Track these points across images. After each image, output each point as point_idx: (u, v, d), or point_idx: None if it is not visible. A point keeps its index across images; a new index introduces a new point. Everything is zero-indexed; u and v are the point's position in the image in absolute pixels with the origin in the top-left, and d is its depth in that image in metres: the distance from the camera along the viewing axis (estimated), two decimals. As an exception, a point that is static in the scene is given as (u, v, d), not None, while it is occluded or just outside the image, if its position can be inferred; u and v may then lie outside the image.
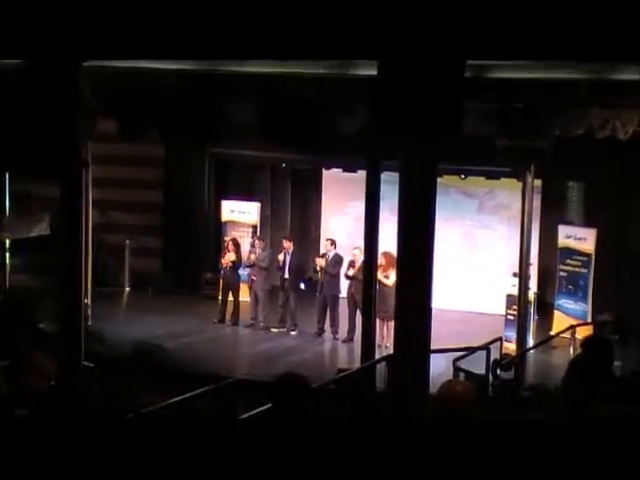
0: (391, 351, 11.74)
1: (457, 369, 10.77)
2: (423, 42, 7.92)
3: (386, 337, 14.27)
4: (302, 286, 16.09)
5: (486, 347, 11.68)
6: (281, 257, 15.76)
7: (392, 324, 14.00)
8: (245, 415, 7.91)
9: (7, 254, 17.27)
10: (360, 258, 14.96)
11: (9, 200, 17.12)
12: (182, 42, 8.94)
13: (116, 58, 9.89)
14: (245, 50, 8.93)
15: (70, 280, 10.46)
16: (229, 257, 16.10)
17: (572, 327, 13.76)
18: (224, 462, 4.20)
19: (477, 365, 11.22)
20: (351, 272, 15.12)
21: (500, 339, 13.06)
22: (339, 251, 15.56)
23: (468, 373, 10.63)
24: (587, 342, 6.16)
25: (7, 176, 16.61)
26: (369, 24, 8.06)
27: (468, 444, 4.14)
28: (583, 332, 13.34)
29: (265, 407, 6.80)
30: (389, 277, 14.31)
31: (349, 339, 14.88)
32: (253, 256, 15.95)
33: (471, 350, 11.48)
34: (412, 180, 8.37)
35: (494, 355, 11.84)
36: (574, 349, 12.69)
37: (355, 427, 4.38)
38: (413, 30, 7.93)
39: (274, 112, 12.17)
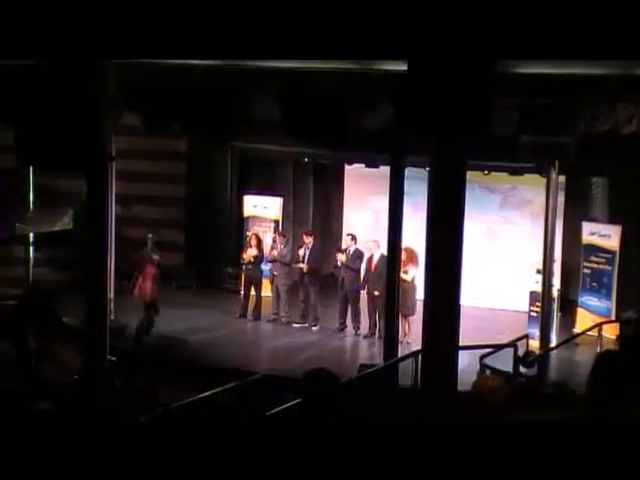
0: (413, 348, 11.73)
1: (483, 366, 10.73)
2: (453, 40, 7.88)
3: (408, 333, 14.22)
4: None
5: (513, 344, 11.62)
6: (301, 252, 15.73)
7: (412, 320, 14.01)
8: (272, 411, 7.90)
9: (30, 248, 17.35)
10: (375, 251, 14.96)
11: (33, 194, 17.19)
12: (204, 40, 8.95)
13: (140, 57, 9.89)
14: (271, 49, 8.92)
15: (95, 274, 10.50)
16: (251, 252, 16.08)
17: (599, 325, 13.65)
18: (251, 458, 4.18)
19: (500, 362, 11.16)
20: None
21: (526, 336, 12.98)
22: (360, 246, 15.52)
23: (494, 370, 10.58)
24: (624, 339, 6.11)
25: (31, 170, 16.66)
26: (399, 23, 8.02)
27: (495, 444, 4.10)
28: (610, 330, 13.26)
29: (293, 403, 6.79)
30: (408, 272, 14.23)
31: (370, 334, 14.86)
32: (275, 251, 15.94)
33: (498, 347, 11.43)
34: (442, 178, 8.35)
35: (520, 352, 11.78)
36: (600, 347, 12.59)
37: (383, 426, 4.34)
38: (443, 29, 7.88)
39: (297, 107, 12.13)
